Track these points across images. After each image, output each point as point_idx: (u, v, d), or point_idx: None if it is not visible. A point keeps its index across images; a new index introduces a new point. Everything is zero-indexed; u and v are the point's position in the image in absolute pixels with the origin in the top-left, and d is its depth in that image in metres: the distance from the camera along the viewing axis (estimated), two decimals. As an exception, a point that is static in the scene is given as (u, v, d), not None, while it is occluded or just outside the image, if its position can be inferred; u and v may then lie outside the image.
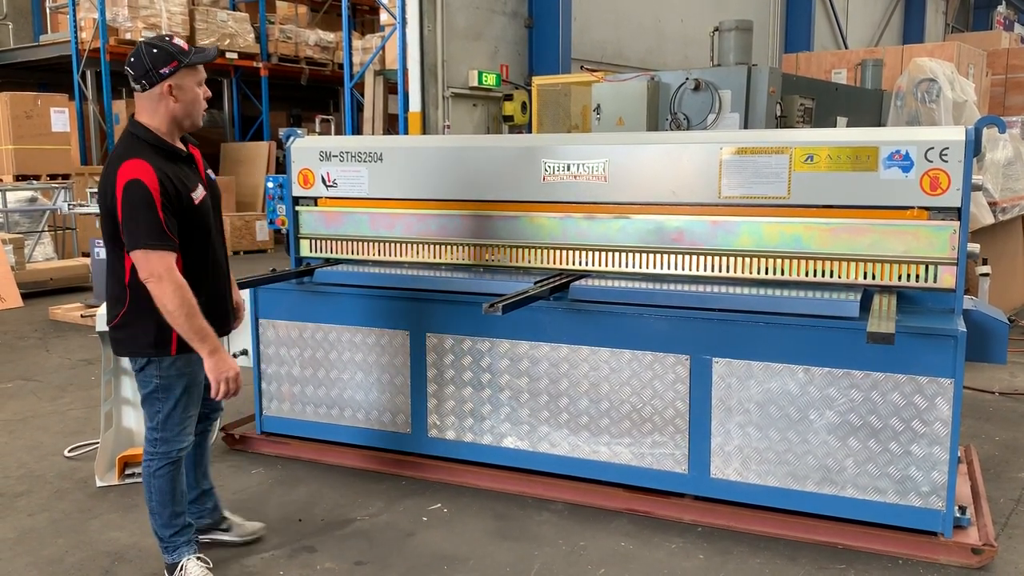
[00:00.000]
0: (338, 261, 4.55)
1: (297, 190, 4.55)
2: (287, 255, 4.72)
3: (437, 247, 4.30)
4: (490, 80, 10.63)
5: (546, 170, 4.02)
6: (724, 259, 3.77)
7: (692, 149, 3.77)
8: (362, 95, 11.91)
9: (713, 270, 3.80)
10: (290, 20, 16.50)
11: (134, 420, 4.35)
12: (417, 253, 4.35)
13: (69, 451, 4.57)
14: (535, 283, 3.84)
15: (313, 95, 17.11)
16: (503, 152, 4.13)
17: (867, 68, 10.99)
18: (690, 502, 3.68)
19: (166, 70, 2.83)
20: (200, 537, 3.35)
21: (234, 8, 15.36)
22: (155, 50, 2.84)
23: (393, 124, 11.67)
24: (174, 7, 13.51)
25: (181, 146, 2.98)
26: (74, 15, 13.39)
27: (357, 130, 12.34)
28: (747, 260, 3.74)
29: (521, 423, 3.98)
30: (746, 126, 7.71)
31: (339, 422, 4.38)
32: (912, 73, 7.62)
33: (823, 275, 3.61)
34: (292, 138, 4.55)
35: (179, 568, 3.11)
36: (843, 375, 3.40)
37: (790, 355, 3.47)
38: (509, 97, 10.83)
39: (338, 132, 14.72)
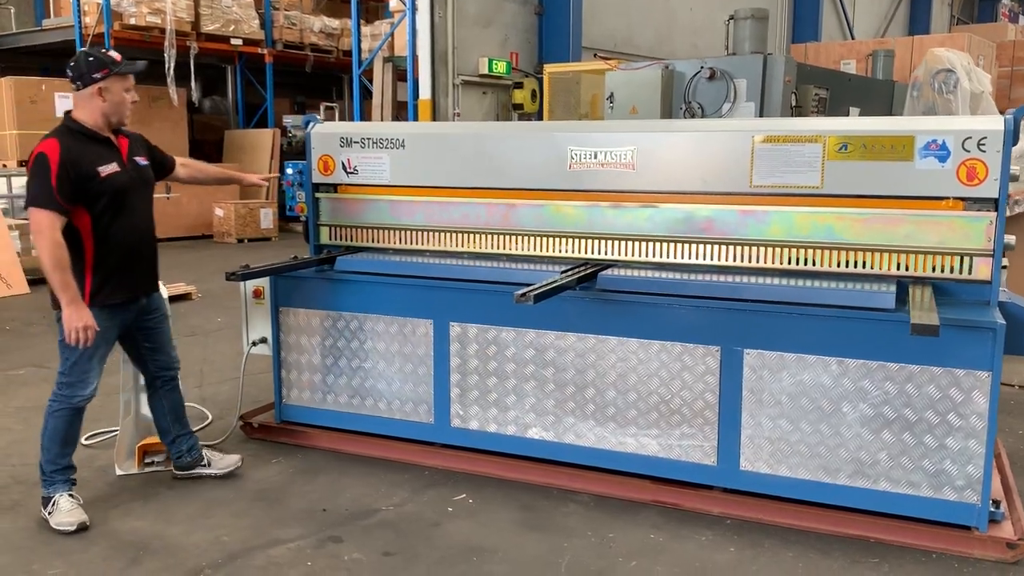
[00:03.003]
0: (358, 249, 4.50)
1: (317, 177, 4.49)
2: (293, 243, 4.67)
3: (460, 235, 4.25)
4: (500, 68, 10.54)
5: (572, 158, 3.96)
6: (754, 249, 3.72)
7: (723, 137, 3.72)
8: (370, 82, 11.81)
9: (742, 260, 3.75)
10: (295, 6, 16.34)
11: (153, 408, 4.30)
12: (439, 242, 4.30)
13: (86, 439, 4.52)
14: (561, 272, 3.80)
15: (317, 82, 17.00)
16: (528, 139, 4.07)
17: (878, 59, 10.91)
18: (719, 494, 3.65)
19: (98, 75, 3.45)
20: (183, 474, 4.00)
21: (239, -6, 15.20)
22: (91, 59, 3.46)
23: (402, 112, 11.59)
24: (179, -8, 13.38)
25: (104, 133, 3.53)
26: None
27: (364, 118, 12.26)
28: (777, 250, 3.69)
29: (546, 414, 3.94)
30: (761, 115, 7.66)
31: (360, 411, 4.33)
32: (929, 63, 7.57)
33: (855, 266, 3.56)
34: (312, 124, 4.49)
35: (51, 502, 3.54)
36: (878, 367, 3.35)
37: (823, 347, 3.43)
38: (519, 85, 10.74)
39: (343, 120, 14.61)
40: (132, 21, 13.03)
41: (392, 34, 11.45)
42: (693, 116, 7.93)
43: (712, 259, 3.80)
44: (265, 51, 14.72)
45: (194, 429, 4.56)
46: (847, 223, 3.56)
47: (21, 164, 11.23)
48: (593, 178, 3.94)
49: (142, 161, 3.70)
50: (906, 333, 3.03)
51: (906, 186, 3.44)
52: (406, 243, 4.37)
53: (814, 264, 3.65)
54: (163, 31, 13.13)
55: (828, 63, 11.25)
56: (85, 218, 3.43)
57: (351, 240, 4.50)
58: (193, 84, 13.82)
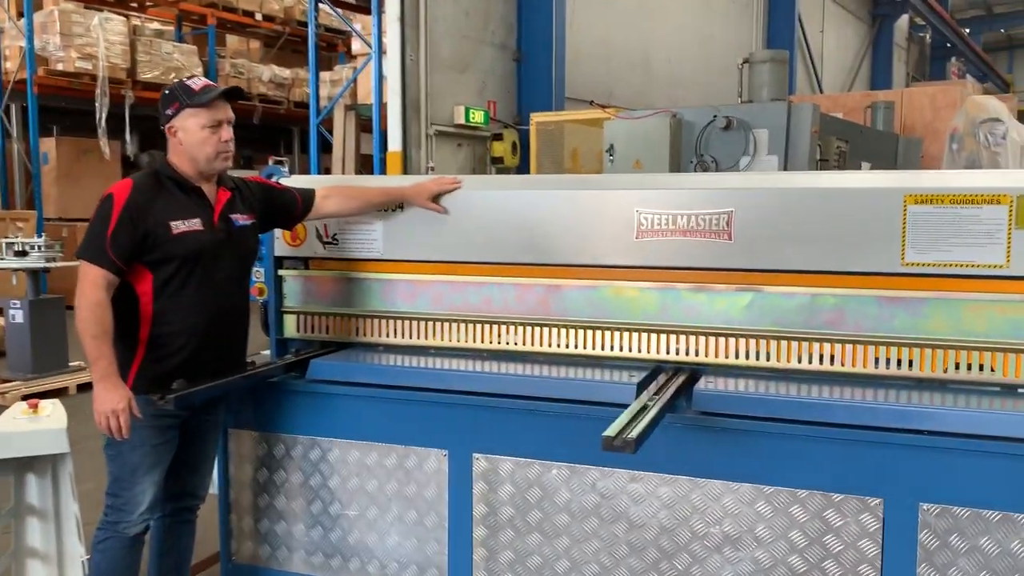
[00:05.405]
0: (339, 346, 3.32)
1: (281, 248, 3.33)
2: (264, 333, 3.46)
3: (481, 328, 3.11)
4: (477, 117, 9.51)
5: (642, 223, 2.87)
6: (904, 351, 2.67)
7: (860, 195, 2.67)
8: (329, 133, 10.70)
9: (886, 367, 2.69)
10: (242, 55, 15.30)
11: (42, 579, 3.02)
12: (452, 336, 3.15)
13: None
14: (638, 385, 2.69)
15: (264, 135, 15.81)
16: (578, 198, 2.97)
17: (878, 111, 10.22)
18: None
19: (170, 111, 2.78)
20: None
21: (181, 40, 14.07)
22: (167, 92, 2.82)
23: (366, 165, 10.47)
24: (113, 36, 12.19)
25: (196, 182, 2.82)
26: (-2, 43, 11.97)
27: (323, 173, 11.12)
28: (939, 353, 2.64)
29: (617, 588, 2.76)
30: (785, 171, 6.75)
31: (341, 576, 3.11)
32: (971, 112, 6.74)
33: (1058, 376, 2.52)
34: (276, 177, 3.33)
35: None
36: None
37: (1045, 502, 2.35)
38: (498, 136, 9.71)
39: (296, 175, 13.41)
40: (60, 67, 11.76)
41: (355, 79, 10.38)
42: (706, 171, 6.97)
43: (840, 364, 2.73)
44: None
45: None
46: (1044, 316, 2.52)
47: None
48: (670, 251, 2.85)
49: (241, 221, 2.92)
50: None
51: None
52: (405, 337, 3.21)
53: (993, 372, 2.60)
54: (95, 78, 11.89)
55: (814, 116, 10.53)
56: (147, 282, 2.72)
57: (328, 332, 3.32)
58: (128, 136, 12.54)
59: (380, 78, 9.27)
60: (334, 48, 15.39)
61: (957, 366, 2.63)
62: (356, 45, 10.77)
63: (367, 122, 9.81)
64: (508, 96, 10.28)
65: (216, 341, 2.84)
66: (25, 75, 11.47)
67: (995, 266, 2.56)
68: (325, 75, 11.76)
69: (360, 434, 3.04)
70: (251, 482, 3.21)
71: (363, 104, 10.25)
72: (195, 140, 2.74)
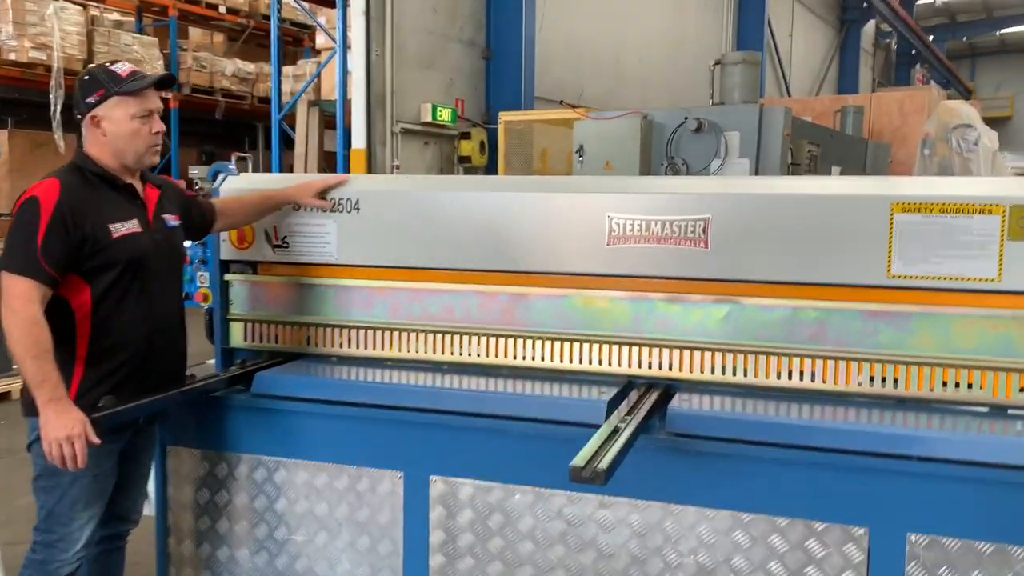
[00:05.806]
0: (287, 357, 3.10)
1: (228, 251, 3.11)
2: (209, 342, 3.24)
3: (439, 338, 2.92)
4: (445, 116, 9.29)
5: (613, 229, 2.70)
6: (889, 368, 2.52)
7: (848, 202, 2.52)
8: (292, 129, 10.41)
9: (870, 384, 2.54)
10: (205, 48, 14.91)
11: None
12: (409, 347, 2.95)
13: None
14: (609, 403, 2.52)
15: (229, 131, 15.46)
16: (546, 201, 2.79)
17: (848, 115, 10.16)
18: None
19: (92, 99, 2.53)
20: None
21: (141, 32, 13.68)
22: (87, 77, 2.58)
23: (330, 163, 10.20)
24: (69, 26, 11.80)
25: (125, 178, 2.60)
26: (-54, 31, 11.51)
27: (285, 171, 10.84)
28: (926, 371, 2.50)
29: (583, 621, 2.58)
30: (757, 174, 6.63)
31: (288, 606, 2.89)
32: (943, 118, 6.67)
33: (1052, 397, 2.38)
34: (223, 176, 3.11)
35: None
36: None
37: (1040, 533, 2.20)
38: (466, 135, 9.51)
39: (259, 172, 13.10)
40: (12, 56, 11.35)
41: (319, 74, 10.10)
42: (676, 173, 6.83)
43: (822, 381, 2.57)
44: (170, 95, 13.15)
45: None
46: (1037, 333, 2.39)
47: None
48: (643, 258, 2.68)
49: (172, 221, 2.73)
50: None
51: None
52: (360, 348, 3.01)
53: (982, 390, 2.46)
54: (49, 69, 11.50)
55: (781, 120, 10.49)
56: (83, 293, 2.48)
57: (276, 342, 3.11)
58: (84, 130, 12.15)
59: (344, 74, 9.02)
60: (300, 43, 15.08)
61: (944, 384, 2.49)
62: (320, 39, 10.49)
63: (331, 118, 9.55)
64: (476, 94, 10.08)
65: (160, 353, 2.66)
66: (-27, 65, 11.07)
67: (986, 279, 2.42)
68: (288, 70, 11.47)
69: (309, 453, 2.82)
70: (191, 504, 2.98)
71: (327, 100, 9.99)
72: (123, 132, 2.52)
